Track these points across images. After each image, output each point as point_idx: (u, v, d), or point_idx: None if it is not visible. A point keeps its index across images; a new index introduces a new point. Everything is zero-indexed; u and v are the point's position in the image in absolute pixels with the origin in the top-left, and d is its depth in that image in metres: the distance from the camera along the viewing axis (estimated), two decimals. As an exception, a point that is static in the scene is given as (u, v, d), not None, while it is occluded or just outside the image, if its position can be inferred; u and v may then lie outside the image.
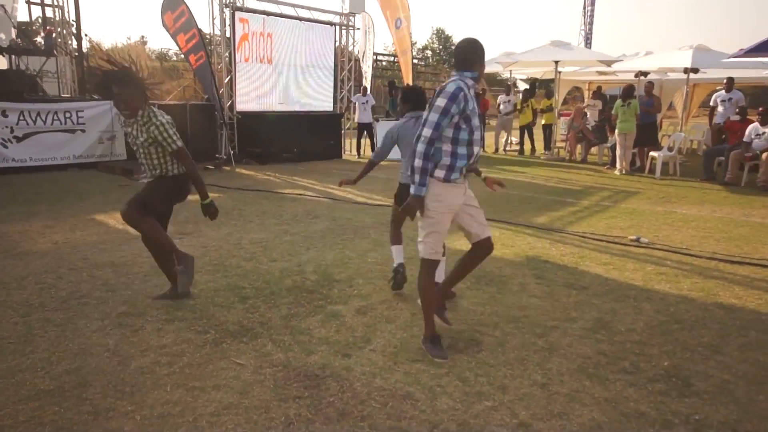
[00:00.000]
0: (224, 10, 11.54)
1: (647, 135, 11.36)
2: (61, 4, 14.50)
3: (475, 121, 3.25)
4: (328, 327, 3.71)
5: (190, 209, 7.21)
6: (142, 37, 52.42)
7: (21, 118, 9.73)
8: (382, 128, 13.77)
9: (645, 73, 14.53)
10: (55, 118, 10.24)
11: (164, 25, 12.35)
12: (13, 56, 12.24)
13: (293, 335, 3.56)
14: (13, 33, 13.46)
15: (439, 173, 3.26)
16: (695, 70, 12.57)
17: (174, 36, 12.31)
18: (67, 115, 10.40)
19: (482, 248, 3.56)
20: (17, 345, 3.34)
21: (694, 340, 3.60)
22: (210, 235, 5.95)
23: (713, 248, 5.77)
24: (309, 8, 13.07)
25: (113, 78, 3.76)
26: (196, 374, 3.05)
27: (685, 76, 13.52)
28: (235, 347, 3.39)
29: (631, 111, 10.95)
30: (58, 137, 10.28)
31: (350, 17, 14.31)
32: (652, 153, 11.34)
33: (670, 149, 11.32)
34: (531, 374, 3.11)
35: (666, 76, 15.97)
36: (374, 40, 15.43)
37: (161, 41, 69.31)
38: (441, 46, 53.21)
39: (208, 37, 13.58)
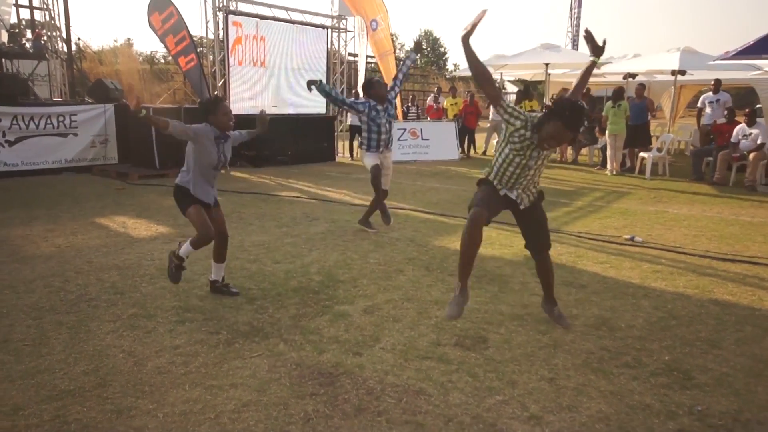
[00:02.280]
0: (218, 13, 11.59)
1: (639, 136, 11.55)
2: (49, 6, 14.50)
3: None
4: (336, 326, 3.79)
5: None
6: (128, 39, 52.07)
7: (14, 122, 9.72)
8: (375, 130, 13.85)
9: (633, 75, 14.78)
10: (48, 121, 10.22)
11: (151, 26, 12.31)
12: (3, 60, 12.16)
13: (304, 335, 3.64)
14: (4, 36, 13.41)
15: None
16: (683, 72, 12.82)
17: (162, 38, 12.30)
18: (60, 119, 10.40)
19: None
20: (33, 347, 3.39)
21: (692, 335, 3.72)
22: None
23: (706, 246, 5.92)
24: (301, 11, 13.18)
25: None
26: (212, 373, 3.12)
27: (672, 78, 13.78)
28: (247, 347, 3.46)
29: (621, 112, 11.15)
30: (50, 141, 10.27)
31: (341, 20, 14.40)
32: (641, 154, 11.54)
33: (659, 150, 11.53)
34: (538, 369, 3.22)
35: (653, 77, 16.23)
36: (366, 43, 15.53)
37: (148, 44, 68.94)
38: (429, 48, 53.40)
39: (198, 39, 13.63)
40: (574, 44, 44.69)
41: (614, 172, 11.46)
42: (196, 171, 4.01)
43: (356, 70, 15.64)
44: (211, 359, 3.29)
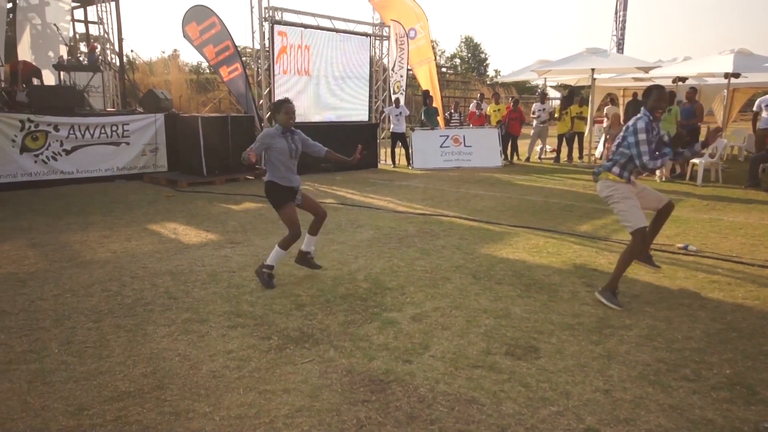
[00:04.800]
0: (263, 23, 11.82)
1: (689, 142, 11.21)
2: (103, 20, 15.07)
3: None
4: (385, 333, 3.80)
5: (237, 219, 7.43)
6: (175, 50, 53.61)
7: (71, 132, 10.11)
8: (418, 137, 13.90)
9: (683, 79, 14.37)
10: (102, 131, 10.61)
11: (186, 36, 12.57)
12: (61, 72, 12.70)
13: (353, 341, 3.66)
14: (62, 50, 14.01)
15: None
16: (736, 75, 12.40)
17: (200, 48, 12.57)
18: (114, 128, 10.77)
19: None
20: (94, 349, 3.51)
21: (755, 349, 3.58)
22: (259, 244, 6.11)
23: (765, 256, 5.70)
24: (345, 20, 13.30)
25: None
26: (265, 378, 3.17)
27: (723, 81, 13.35)
28: (298, 353, 3.50)
29: (672, 117, 10.85)
30: (104, 150, 10.65)
31: (384, 27, 14.50)
32: (693, 160, 11.20)
33: (711, 156, 11.16)
34: (592, 381, 3.15)
35: (704, 81, 15.76)
36: (407, 49, 15.58)
37: (193, 54, 70.84)
38: (470, 54, 53.17)
39: (242, 49, 13.91)
40: (619, 47, 43.77)
41: (664, 179, 11.15)
42: (277, 164, 4.66)
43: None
44: (264, 364, 3.34)
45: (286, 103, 4.71)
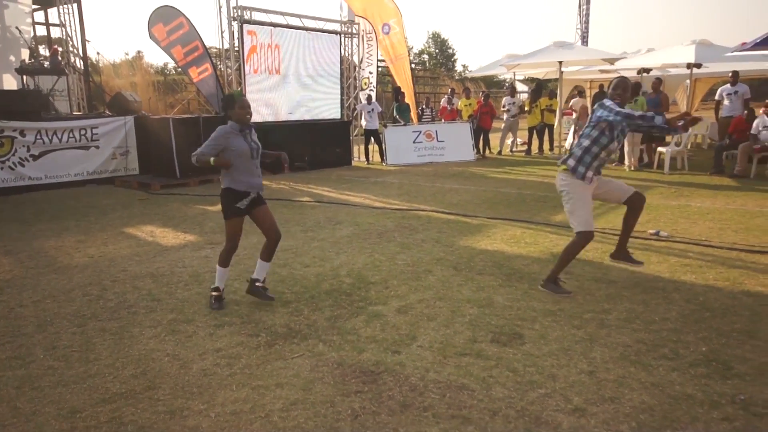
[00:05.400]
0: (232, 23, 11.72)
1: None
2: (65, 23, 14.74)
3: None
4: (372, 326, 3.85)
5: (215, 219, 7.38)
6: (138, 51, 52.66)
7: (38, 137, 9.90)
8: (391, 134, 13.96)
9: (647, 70, 14.72)
10: (71, 135, 10.41)
11: (153, 38, 12.39)
12: (24, 76, 12.39)
13: (341, 335, 3.71)
14: (24, 54, 13.66)
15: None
16: (698, 65, 12.75)
17: (167, 49, 12.41)
18: (82, 132, 10.58)
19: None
20: (81, 353, 3.49)
21: (728, 327, 3.73)
22: (240, 244, 6.07)
23: (732, 239, 5.91)
24: (314, 18, 13.26)
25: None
26: (256, 374, 3.20)
27: (686, 72, 13.73)
28: (288, 348, 3.53)
29: (638, 107, 11.10)
30: (73, 154, 10.46)
31: (354, 25, 14.52)
32: (659, 149, 11.50)
33: (677, 144, 11.48)
34: (577, 363, 3.25)
35: (667, 71, 16.16)
36: (376, 46, 15.62)
37: (158, 56, 69.61)
38: (437, 50, 53.49)
39: (210, 49, 13.77)
40: (584, 41, 44.52)
41: (632, 168, 11.43)
42: (235, 167, 4.10)
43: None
44: (254, 360, 3.36)
45: (239, 96, 4.13)
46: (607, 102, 4.29)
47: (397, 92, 15.62)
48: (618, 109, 4.19)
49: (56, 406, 2.87)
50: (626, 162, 11.67)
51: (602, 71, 16.70)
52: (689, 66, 13.06)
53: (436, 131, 14.13)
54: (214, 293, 4.28)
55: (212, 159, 4.03)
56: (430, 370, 3.21)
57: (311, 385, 3.05)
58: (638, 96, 11.23)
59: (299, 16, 12.90)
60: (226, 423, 2.70)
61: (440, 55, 52.99)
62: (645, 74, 14.95)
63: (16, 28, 13.39)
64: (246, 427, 2.67)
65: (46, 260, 5.57)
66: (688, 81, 15.33)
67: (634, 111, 4.22)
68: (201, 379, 3.14)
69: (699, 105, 21.40)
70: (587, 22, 42.49)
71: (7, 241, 6.35)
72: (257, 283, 4.31)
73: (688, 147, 13.00)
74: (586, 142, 4.35)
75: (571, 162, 4.39)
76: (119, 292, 4.61)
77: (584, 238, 4.35)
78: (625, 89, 4.37)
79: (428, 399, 2.89)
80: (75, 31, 14.66)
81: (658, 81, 11.96)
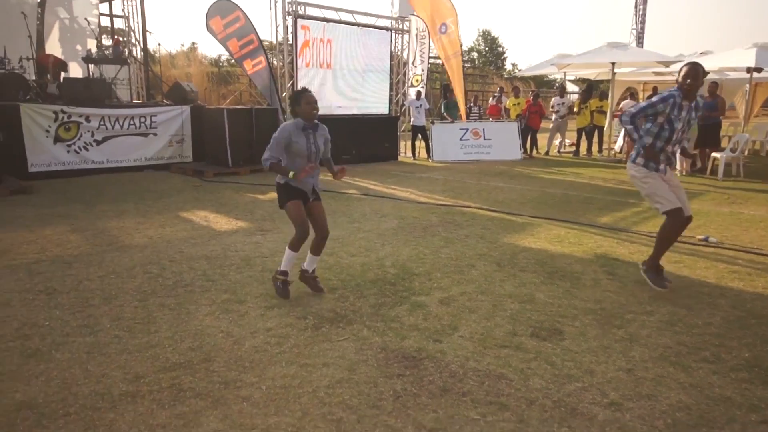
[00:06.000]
0: (287, 17, 12.00)
1: (709, 136, 11.25)
2: (128, 15, 15.36)
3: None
4: (415, 315, 3.98)
5: (264, 208, 7.65)
6: (193, 43, 54.03)
7: (102, 123, 10.41)
8: (438, 130, 14.04)
9: (705, 73, 14.29)
10: (131, 122, 10.89)
11: (210, 30, 12.74)
12: (90, 65, 12.99)
13: (385, 322, 3.85)
14: (90, 43, 14.32)
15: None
16: (759, 70, 12.35)
17: (224, 41, 12.76)
18: (142, 119, 11.05)
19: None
20: (143, 325, 3.74)
21: (773, 334, 3.71)
22: (288, 232, 6.27)
23: (785, 248, 5.79)
24: (366, 14, 13.45)
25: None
26: (304, 353, 3.37)
27: (746, 76, 13.30)
28: (334, 331, 3.70)
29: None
30: (132, 140, 10.94)
31: (405, 22, 14.62)
32: (714, 154, 11.22)
33: (732, 150, 11.17)
34: (615, 361, 3.31)
35: (726, 75, 15.66)
36: (428, 43, 15.68)
37: (212, 47, 71.19)
38: (487, 48, 53.02)
39: (266, 43, 14.11)
40: (639, 41, 43.40)
41: (684, 173, 11.18)
42: (290, 165, 4.16)
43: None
44: (302, 341, 3.54)
45: (306, 92, 4.14)
46: (665, 93, 4.37)
47: (446, 89, 15.65)
48: (643, 105, 4.43)
49: (122, 371, 3.11)
50: (678, 167, 11.41)
51: (656, 73, 16.32)
52: (749, 70, 12.65)
53: (484, 129, 14.12)
54: (280, 277, 4.27)
55: (291, 173, 4.04)
56: (470, 359, 3.32)
57: (356, 366, 3.21)
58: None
59: (352, 12, 13.10)
60: (276, 395, 2.89)
61: (490, 53, 52.53)
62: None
63: (85, 19, 14.04)
64: (295, 400, 2.84)
65: (109, 239, 5.92)
66: (747, 86, 14.81)
67: (629, 111, 4.48)
68: (253, 355, 3.34)
69: (760, 111, 20.66)
70: (643, 22, 41.39)
71: (74, 220, 6.75)
72: (306, 274, 4.46)
73: (745, 153, 12.62)
74: (648, 139, 4.43)
75: (641, 160, 4.50)
76: (176, 271, 4.88)
77: (674, 215, 4.39)
78: (695, 77, 4.28)
79: (467, 385, 3.01)
80: (137, 22, 15.28)
81: (714, 84, 11.63)
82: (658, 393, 2.94)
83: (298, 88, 12.06)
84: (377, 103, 13.97)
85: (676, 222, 4.43)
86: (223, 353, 3.36)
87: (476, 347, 3.48)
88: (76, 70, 14.10)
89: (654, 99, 4.42)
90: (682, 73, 4.35)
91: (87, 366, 3.17)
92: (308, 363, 3.25)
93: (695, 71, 4.29)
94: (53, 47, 14.17)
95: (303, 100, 4.12)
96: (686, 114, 4.38)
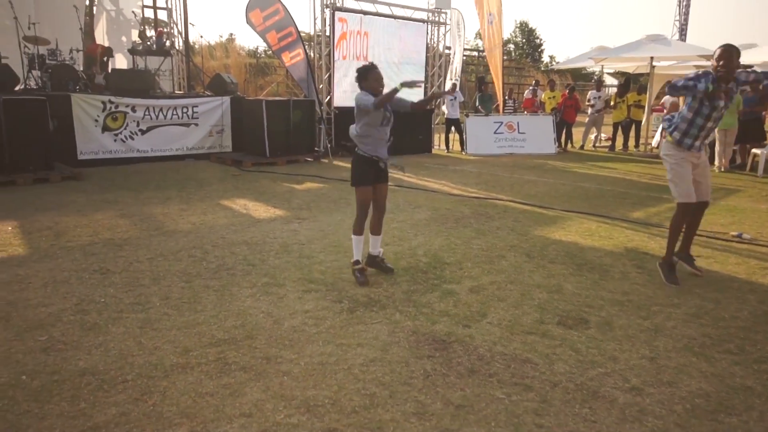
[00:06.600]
0: (325, 10, 12.21)
1: (751, 131, 11.05)
2: (170, 6, 15.80)
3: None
4: (446, 302, 4.15)
5: (301, 197, 7.89)
6: (231, 34, 54.79)
7: (146, 113, 10.80)
8: (472, 123, 14.09)
9: (748, 67, 13.99)
10: (174, 113, 11.26)
11: (249, 22, 13.01)
12: (135, 57, 13.45)
13: (416, 307, 4.03)
14: (134, 35, 14.81)
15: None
16: (804, 64, 12.03)
17: (263, 34, 13.01)
18: (184, 110, 11.41)
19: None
20: (189, 304, 4.00)
21: (800, 329, 3.76)
22: (325, 220, 6.55)
23: (821, 246, 5.75)
24: (402, 6, 13.56)
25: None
26: (340, 334, 3.58)
27: (792, 70, 12.94)
28: (368, 315, 3.89)
29: (734, 106, 10.68)
30: (175, 130, 11.31)
31: (441, 14, 14.69)
32: (754, 150, 11.02)
33: (773, 146, 10.95)
34: (639, 349, 3.42)
35: (771, 69, 15.27)
36: (464, 36, 15.73)
37: (248, 39, 72.00)
38: (524, 40, 52.34)
39: (303, 35, 14.35)
40: (682, 33, 42.30)
41: (723, 169, 11.02)
42: (367, 133, 4.43)
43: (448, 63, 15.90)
44: (338, 323, 3.75)
45: (374, 69, 4.42)
46: (701, 71, 4.34)
47: (480, 82, 15.67)
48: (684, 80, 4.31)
49: (173, 345, 3.37)
50: (716, 162, 11.25)
51: (697, 67, 15.97)
52: (795, 64, 12.34)
53: (518, 123, 14.12)
54: (356, 266, 4.54)
55: (399, 85, 4.12)
56: (497, 343, 3.48)
57: (388, 347, 3.40)
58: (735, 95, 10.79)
59: (389, 4, 13.22)
60: (314, 371, 3.10)
61: (527, 45, 51.84)
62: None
63: (132, 12, 14.51)
64: (331, 376, 3.05)
65: (156, 224, 6.23)
66: (793, 80, 14.43)
67: (677, 81, 4.34)
68: (292, 334, 3.56)
69: (806, 106, 20.01)
70: (687, 13, 40.31)
71: (122, 205, 7.11)
72: (375, 258, 4.77)
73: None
74: (689, 115, 4.47)
75: (677, 134, 4.53)
76: (219, 255, 5.14)
77: (684, 208, 4.55)
78: (728, 59, 4.20)
79: (494, 367, 3.17)
80: (180, 14, 15.70)
81: (758, 79, 11.38)
82: (679, 380, 3.05)
83: (337, 81, 12.37)
84: (412, 95, 13.97)
85: (685, 214, 4.60)
86: (265, 331, 3.59)
87: (504, 333, 3.63)
88: (121, 62, 14.61)
89: (691, 75, 4.36)
90: (715, 56, 4.35)
91: (140, 339, 3.43)
92: (344, 343, 3.45)
93: (728, 53, 4.23)
94: (100, 39, 14.70)
95: (371, 76, 4.41)
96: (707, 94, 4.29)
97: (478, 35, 32.34)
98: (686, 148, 4.51)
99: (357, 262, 4.60)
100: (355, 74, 4.54)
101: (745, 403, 2.84)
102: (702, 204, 4.71)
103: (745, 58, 13.96)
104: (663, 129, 4.44)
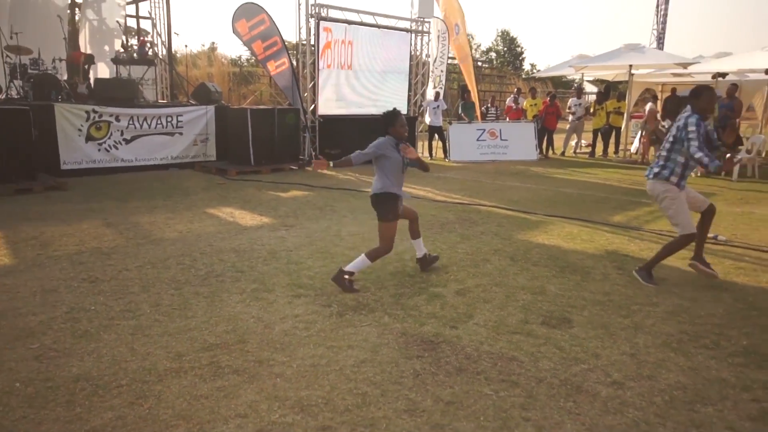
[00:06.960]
0: (310, 20, 12.32)
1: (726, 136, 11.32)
2: (153, 16, 15.80)
3: None
4: (433, 304, 4.24)
5: (287, 205, 7.95)
6: (213, 43, 54.65)
7: (131, 122, 10.78)
8: (455, 130, 14.27)
9: (723, 75, 14.37)
10: (158, 122, 11.26)
11: (236, 32, 13.08)
12: (118, 66, 13.42)
13: (404, 310, 4.12)
14: (117, 44, 14.78)
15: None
16: (776, 71, 12.39)
17: (248, 43, 13.08)
18: (169, 119, 11.41)
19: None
20: (180, 311, 4.05)
21: (773, 325, 3.91)
22: (311, 228, 6.61)
23: (793, 246, 5.95)
24: (386, 16, 13.71)
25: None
26: (330, 337, 3.65)
27: (765, 78, 13.33)
28: (357, 318, 3.97)
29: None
30: (159, 139, 11.31)
31: (424, 23, 14.88)
32: (728, 155, 11.29)
33: (748, 152, 11.25)
34: (620, 346, 3.55)
35: (745, 77, 15.67)
36: (448, 45, 15.91)
37: (230, 47, 71.94)
38: (506, 48, 52.95)
39: (288, 44, 14.45)
40: (660, 42, 43.11)
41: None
42: (388, 175, 4.65)
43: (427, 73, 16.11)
44: (328, 326, 3.83)
45: (400, 116, 4.65)
46: (692, 119, 4.49)
47: (463, 90, 15.87)
48: (694, 142, 4.43)
49: (165, 350, 3.42)
50: (693, 167, 11.51)
51: (675, 74, 16.37)
52: (767, 72, 12.69)
53: (500, 130, 14.32)
54: (347, 276, 4.56)
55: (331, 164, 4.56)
56: (484, 343, 3.58)
57: (378, 349, 3.48)
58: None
59: (373, 14, 13.37)
60: (306, 372, 3.17)
61: (508, 53, 52.45)
62: (720, 79, 14.60)
63: (117, 21, 14.49)
64: (323, 377, 3.12)
65: (143, 233, 6.26)
66: (767, 87, 14.84)
67: (698, 150, 4.43)
68: (283, 338, 3.63)
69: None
70: (664, 22, 41.11)
71: (108, 215, 7.11)
72: (423, 261, 5.06)
73: (762, 155, 12.67)
74: (680, 158, 4.61)
75: (674, 179, 4.66)
76: (208, 263, 5.19)
77: (688, 239, 4.69)
78: (710, 102, 4.57)
79: (481, 366, 3.26)
80: (163, 24, 15.71)
81: (734, 87, 11.73)
82: (658, 374, 3.18)
83: (321, 89, 12.47)
84: (396, 104, 14.15)
85: (686, 245, 4.73)
86: (256, 336, 3.65)
87: (490, 333, 3.73)
88: (104, 71, 14.56)
89: (696, 125, 4.49)
90: (705, 100, 4.58)
91: (133, 345, 3.48)
92: (334, 345, 3.52)
93: (715, 99, 4.69)
94: (83, 48, 14.67)
95: (398, 122, 4.61)
96: (703, 131, 4.59)
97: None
98: (681, 189, 4.68)
99: (352, 273, 4.61)
100: (381, 117, 4.71)
101: (720, 394, 2.97)
102: (710, 209, 4.86)
103: (720, 66, 14.37)
104: (654, 174, 4.57)
